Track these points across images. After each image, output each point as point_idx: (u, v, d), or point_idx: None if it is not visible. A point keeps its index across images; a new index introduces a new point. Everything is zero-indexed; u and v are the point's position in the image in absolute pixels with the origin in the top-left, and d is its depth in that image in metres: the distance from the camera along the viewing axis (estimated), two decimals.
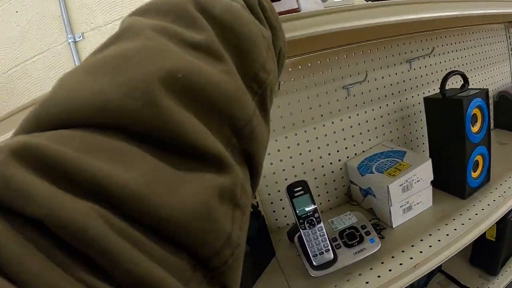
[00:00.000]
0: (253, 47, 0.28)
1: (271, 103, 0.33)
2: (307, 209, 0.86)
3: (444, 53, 1.32)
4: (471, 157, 1.03)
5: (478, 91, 1.03)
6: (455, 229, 0.93)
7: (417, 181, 0.99)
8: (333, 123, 1.08)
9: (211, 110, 0.23)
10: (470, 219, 0.97)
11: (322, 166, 1.10)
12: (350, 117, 1.11)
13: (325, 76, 1.06)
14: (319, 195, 1.12)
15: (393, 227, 0.98)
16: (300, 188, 0.88)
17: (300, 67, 1.02)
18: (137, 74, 0.20)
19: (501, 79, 1.65)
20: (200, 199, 0.20)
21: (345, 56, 1.09)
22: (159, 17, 0.26)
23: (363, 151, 1.15)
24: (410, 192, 0.99)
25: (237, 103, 0.25)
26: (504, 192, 1.08)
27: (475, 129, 1.04)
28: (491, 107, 1.60)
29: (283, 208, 1.08)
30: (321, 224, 0.86)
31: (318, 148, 1.08)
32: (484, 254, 1.25)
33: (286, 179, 1.05)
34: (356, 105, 1.11)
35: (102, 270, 0.16)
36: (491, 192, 1.08)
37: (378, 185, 0.98)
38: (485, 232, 1.21)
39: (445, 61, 1.32)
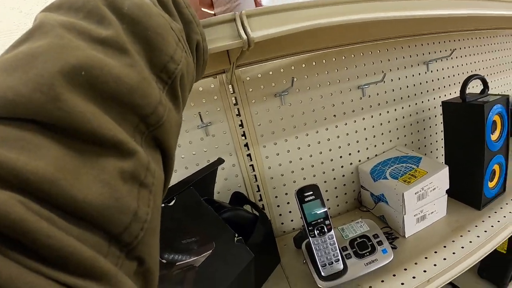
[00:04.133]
0: (161, 39, 0.29)
1: (187, 91, 0.35)
2: (317, 215, 0.76)
3: (463, 56, 1.20)
4: (489, 166, 0.93)
5: (499, 97, 0.92)
6: (470, 242, 0.84)
7: (433, 189, 0.89)
8: (346, 124, 0.97)
9: (114, 100, 0.24)
10: (486, 231, 0.87)
11: (333, 169, 0.99)
12: (364, 119, 0.99)
13: (340, 75, 0.95)
14: (328, 200, 1.01)
15: (406, 236, 0.89)
16: (311, 192, 0.78)
17: (314, 63, 0.91)
18: (44, 71, 0.21)
19: None
20: (102, 181, 0.21)
21: (361, 54, 0.97)
22: (71, 14, 0.26)
23: (376, 155, 1.04)
24: (425, 200, 0.89)
25: (139, 94, 0.25)
26: None
27: (494, 136, 0.93)
28: None
29: (290, 211, 0.97)
30: (332, 232, 0.76)
31: (330, 150, 0.97)
32: (493, 266, 1.15)
33: (294, 182, 0.95)
34: (371, 106, 1.00)
35: (26, 249, 0.17)
36: (507, 204, 0.98)
37: (392, 192, 0.87)
38: None
39: (463, 65, 1.21)
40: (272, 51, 0.81)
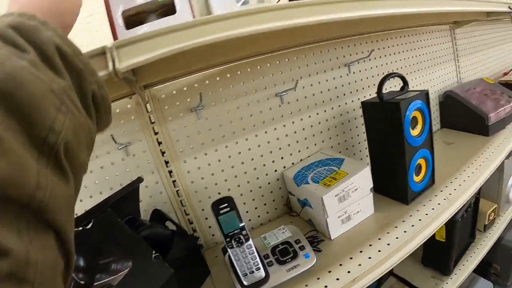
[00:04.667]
0: (37, 111, 0.28)
1: (81, 154, 0.33)
2: (234, 226, 0.76)
3: (386, 55, 1.22)
4: (412, 162, 0.93)
5: (417, 93, 0.93)
6: (397, 238, 0.84)
7: (355, 190, 0.89)
8: (266, 132, 0.97)
9: None
10: (413, 225, 0.88)
11: (257, 178, 0.98)
12: (285, 126, 0.99)
13: (256, 84, 0.95)
14: (256, 208, 1.01)
15: (332, 238, 0.89)
16: (226, 205, 0.78)
17: (228, 75, 0.91)
18: None
19: (448, 79, 1.60)
20: None
21: (277, 62, 0.97)
22: None
23: (301, 160, 1.04)
24: (348, 201, 0.89)
25: (13, 185, 0.25)
26: (450, 194, 0.98)
27: (415, 132, 0.94)
28: (438, 107, 1.53)
29: None
30: (250, 242, 0.76)
31: (252, 159, 0.97)
32: (435, 255, 1.16)
33: (219, 193, 0.95)
34: (291, 112, 1.00)
35: None
36: (436, 196, 0.98)
37: (313, 196, 0.88)
38: (434, 233, 1.12)
39: (386, 64, 1.22)
40: (182, 67, 0.81)
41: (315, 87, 1.04)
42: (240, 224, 0.76)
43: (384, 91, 0.93)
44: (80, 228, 0.71)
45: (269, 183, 1.00)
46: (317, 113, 1.04)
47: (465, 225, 1.18)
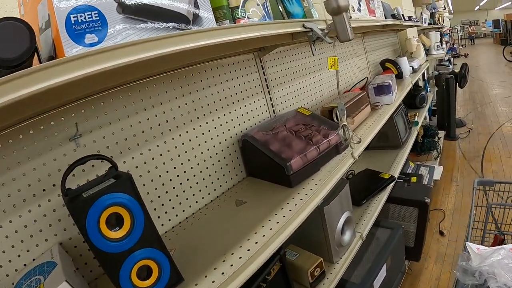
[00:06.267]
0: None
1: None
2: None
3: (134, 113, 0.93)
4: (123, 267, 0.74)
5: (111, 182, 0.72)
6: None
7: None
8: None
9: None
10: None
11: None
12: (1, 227, 0.85)
13: None
14: None
15: None
16: None
17: None
18: None
19: (259, 114, 1.22)
20: None
21: None
22: None
23: (33, 260, 0.88)
24: None
25: None
26: None
27: (120, 233, 0.74)
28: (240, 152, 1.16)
29: None
30: None
31: None
32: None
33: None
34: (5, 211, 0.84)
35: None
36: None
37: None
38: None
39: (122, 129, 0.95)
40: None
41: (26, 178, 0.85)
42: None
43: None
44: None
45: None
46: (39, 205, 0.86)
47: None
